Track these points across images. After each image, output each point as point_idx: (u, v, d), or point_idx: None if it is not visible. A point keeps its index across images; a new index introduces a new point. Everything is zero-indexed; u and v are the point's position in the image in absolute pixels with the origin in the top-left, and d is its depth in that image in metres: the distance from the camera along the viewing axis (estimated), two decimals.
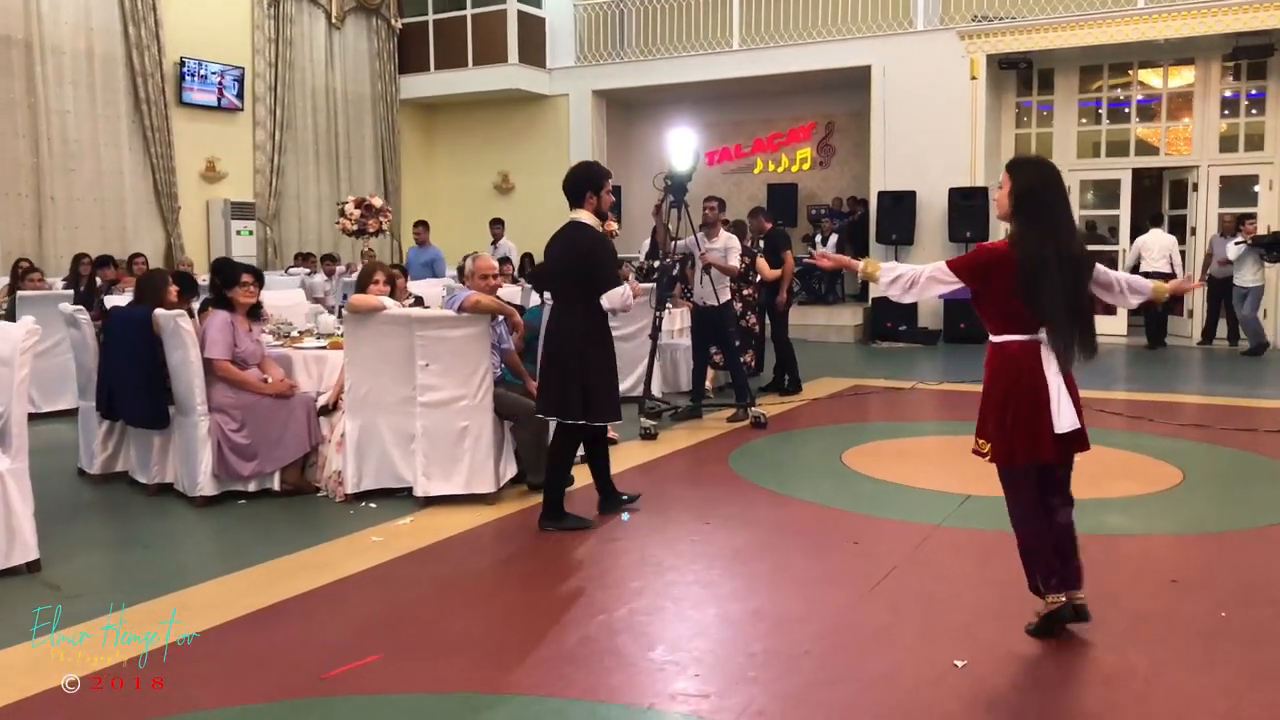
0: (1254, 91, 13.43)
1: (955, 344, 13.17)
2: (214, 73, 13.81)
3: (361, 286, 5.58)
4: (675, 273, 7.67)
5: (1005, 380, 3.45)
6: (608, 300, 4.71)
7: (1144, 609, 3.78)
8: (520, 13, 16.10)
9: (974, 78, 13.75)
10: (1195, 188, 13.59)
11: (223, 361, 5.26)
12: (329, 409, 5.44)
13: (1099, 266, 3.53)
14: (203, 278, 11.42)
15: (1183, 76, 13.90)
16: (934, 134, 13.88)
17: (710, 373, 9.01)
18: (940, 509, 5.16)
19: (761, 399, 8.51)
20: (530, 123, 16.94)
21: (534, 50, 16.48)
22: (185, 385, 5.28)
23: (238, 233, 13.99)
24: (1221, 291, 12.67)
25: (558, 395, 4.78)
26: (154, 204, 13.23)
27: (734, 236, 7.79)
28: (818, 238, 15.49)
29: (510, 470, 5.56)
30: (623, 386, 8.52)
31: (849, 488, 5.65)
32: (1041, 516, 3.52)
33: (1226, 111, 13.59)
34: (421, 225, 11.65)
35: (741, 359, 8.72)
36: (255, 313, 5.55)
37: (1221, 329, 12.85)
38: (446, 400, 5.22)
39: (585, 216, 4.88)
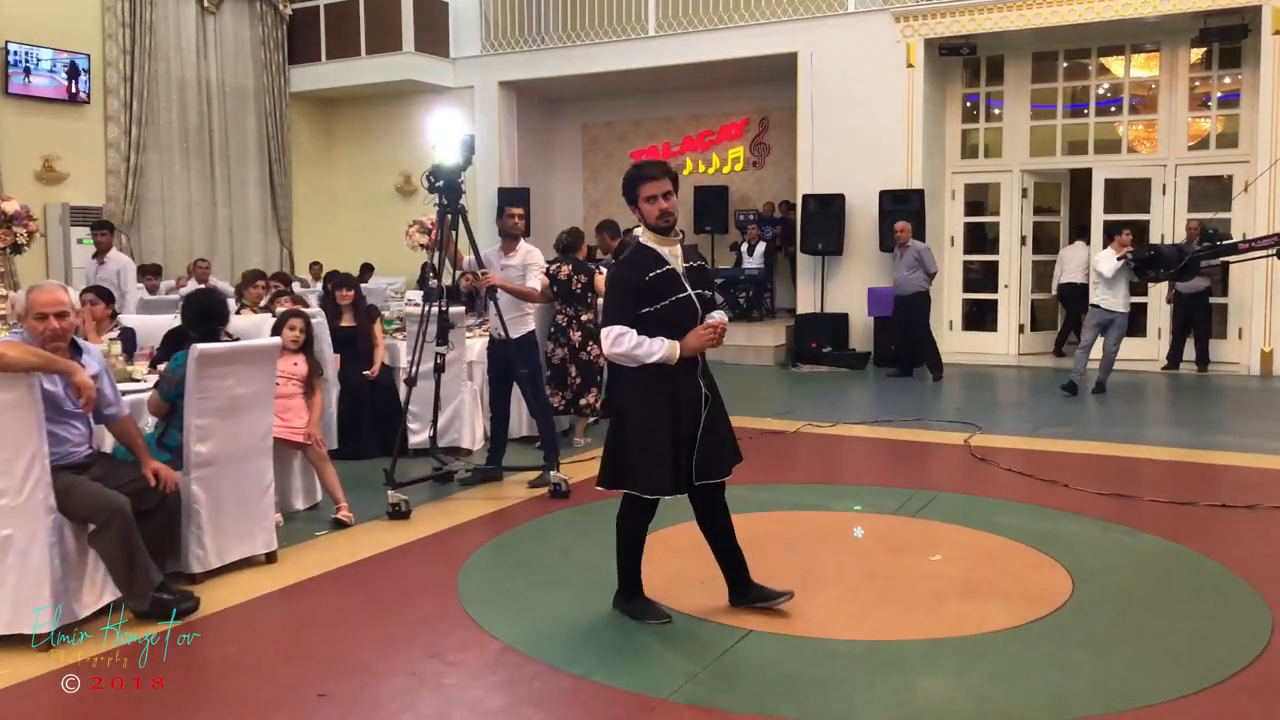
0: (1229, 93, 11.79)
1: (886, 367, 11.52)
2: (50, 60, 12.21)
3: None
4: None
5: None
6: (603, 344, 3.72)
7: None
8: None
9: (910, 65, 12.10)
10: (1164, 190, 11.94)
11: None
12: None
13: None
14: None
15: (1147, 65, 12.26)
16: (866, 130, 12.24)
17: (580, 423, 7.42)
18: (697, 657, 3.52)
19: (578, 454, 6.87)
20: (433, 118, 15.26)
21: (435, 38, 14.87)
22: None
23: (79, 241, 12.36)
24: (1190, 307, 11.04)
25: (604, 455, 3.85)
26: None
27: (535, 250, 6.14)
28: (744, 246, 13.87)
29: (104, 595, 3.91)
30: (419, 437, 6.98)
31: (595, 615, 3.99)
32: None
33: (1199, 90, 11.95)
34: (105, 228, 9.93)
35: (584, 401, 7.13)
36: None
37: (1189, 351, 11.21)
38: None
39: (640, 234, 3.81)
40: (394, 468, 5.51)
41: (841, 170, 12.39)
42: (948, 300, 12.88)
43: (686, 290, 3.68)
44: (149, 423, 4.58)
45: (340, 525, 5.23)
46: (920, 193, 11.85)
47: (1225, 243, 9.57)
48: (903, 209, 11.81)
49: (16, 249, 5.47)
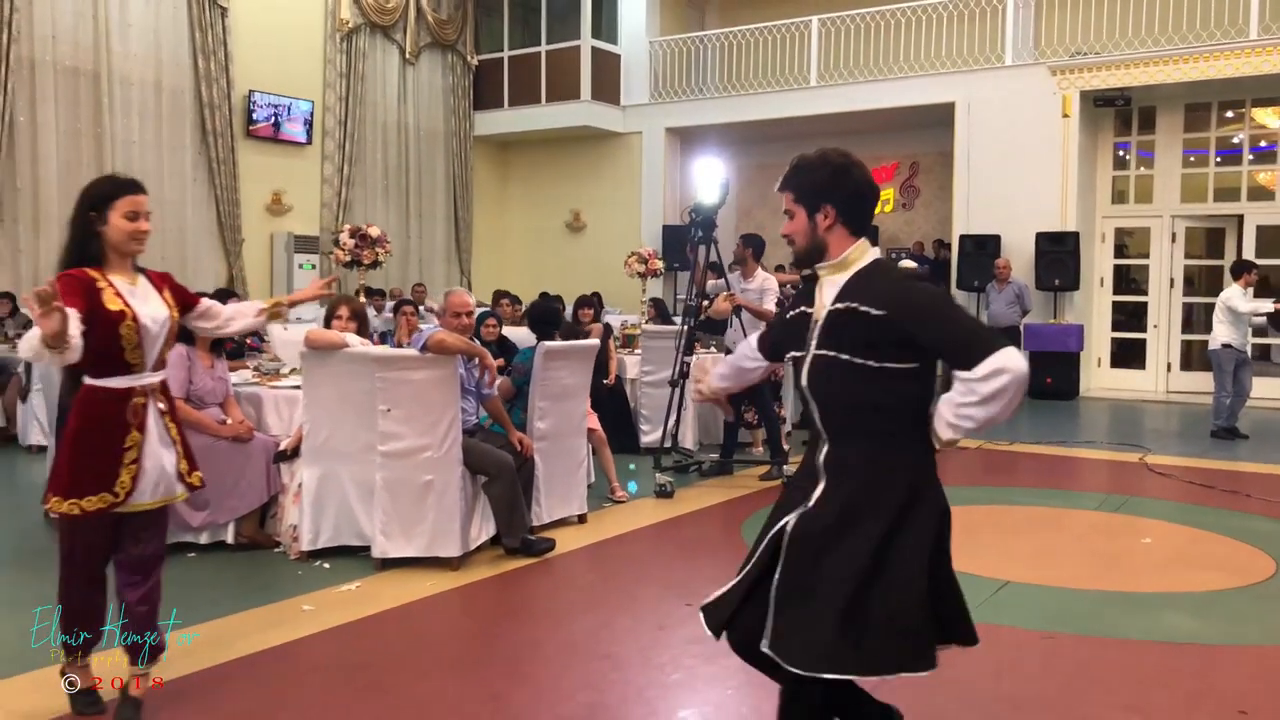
0: None
1: (1038, 400, 12.15)
2: (283, 106, 13.83)
3: (326, 321, 5.13)
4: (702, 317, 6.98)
5: None
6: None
7: None
8: (594, 49, 15.82)
9: (1066, 115, 12.82)
10: None
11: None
12: (287, 455, 4.97)
13: None
14: None
15: None
16: (1022, 175, 12.99)
17: (756, 434, 8.33)
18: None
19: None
20: (603, 160, 16.59)
21: (608, 87, 16.16)
22: None
23: (300, 266, 13.90)
24: None
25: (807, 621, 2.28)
26: (217, 236, 13.22)
27: (771, 277, 7.14)
28: None
29: (486, 531, 5.00)
30: (650, 437, 7.98)
31: None
32: None
33: None
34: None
35: (776, 409, 8.05)
36: (219, 348, 5.13)
37: None
38: (409, 450, 4.69)
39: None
40: (662, 455, 6.52)
41: (996, 213, 13.14)
42: (1097, 338, 13.46)
43: None
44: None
45: (616, 503, 6.25)
46: (1075, 235, 12.52)
47: None
48: (1058, 250, 12.50)
49: (376, 264, 6.70)
